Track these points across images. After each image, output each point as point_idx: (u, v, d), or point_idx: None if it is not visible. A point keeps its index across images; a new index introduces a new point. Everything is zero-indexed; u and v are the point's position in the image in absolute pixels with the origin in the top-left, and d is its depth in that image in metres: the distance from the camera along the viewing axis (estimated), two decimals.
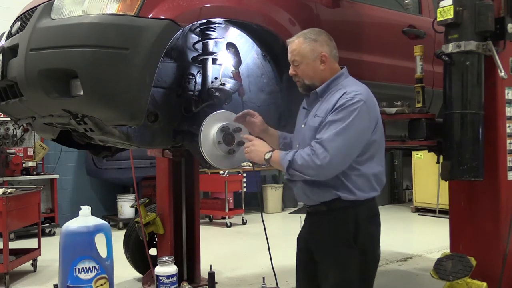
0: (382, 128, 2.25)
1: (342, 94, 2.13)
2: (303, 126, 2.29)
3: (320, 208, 2.24)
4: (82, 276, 2.42)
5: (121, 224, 7.12)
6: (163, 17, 2.30)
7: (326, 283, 2.23)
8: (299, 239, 2.43)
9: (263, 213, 3.68)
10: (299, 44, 2.24)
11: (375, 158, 2.19)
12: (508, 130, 2.75)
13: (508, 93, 2.75)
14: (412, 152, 8.31)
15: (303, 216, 2.45)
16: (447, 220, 3.04)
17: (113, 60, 2.20)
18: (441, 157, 2.88)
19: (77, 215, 2.55)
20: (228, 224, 7.62)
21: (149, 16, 2.28)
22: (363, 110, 2.09)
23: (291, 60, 2.27)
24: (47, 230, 6.73)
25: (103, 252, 2.52)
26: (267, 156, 2.21)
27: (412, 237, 7.07)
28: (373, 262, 2.22)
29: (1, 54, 2.53)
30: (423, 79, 2.99)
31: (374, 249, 2.22)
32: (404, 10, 3.52)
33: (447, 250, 2.80)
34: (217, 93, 2.64)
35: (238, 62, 2.77)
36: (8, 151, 6.65)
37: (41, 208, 5.66)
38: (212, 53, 2.67)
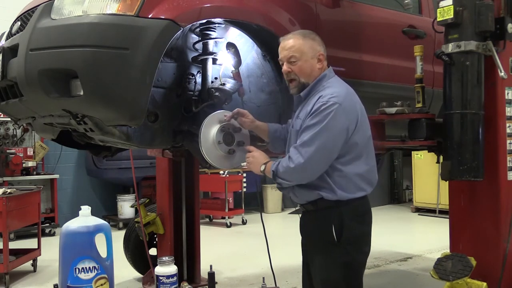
0: (366, 127, 2.26)
1: (318, 98, 2.16)
2: (291, 128, 2.35)
3: (309, 207, 2.29)
4: (82, 276, 2.42)
5: (121, 224, 7.12)
6: (163, 17, 2.30)
7: (316, 280, 2.28)
8: (301, 237, 2.47)
9: (263, 213, 3.68)
10: (297, 40, 2.25)
11: (363, 158, 2.22)
12: (508, 130, 2.75)
13: (508, 93, 2.75)
14: (412, 152, 8.29)
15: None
16: (447, 220, 3.04)
17: (113, 60, 2.20)
18: (441, 157, 2.88)
19: (77, 215, 2.55)
20: (228, 224, 7.62)
21: (149, 16, 2.28)
22: (339, 113, 2.11)
23: (287, 56, 2.26)
24: (47, 230, 6.73)
25: (103, 252, 2.52)
26: (262, 168, 2.27)
27: (412, 237, 7.06)
28: (360, 259, 2.25)
29: (1, 54, 2.53)
30: (423, 79, 2.98)
31: (361, 247, 2.24)
32: (404, 10, 3.53)
33: (447, 250, 2.80)
34: (217, 93, 2.65)
35: (238, 62, 2.77)
36: (8, 151, 6.64)
37: (41, 208, 5.66)
38: (212, 53, 2.67)
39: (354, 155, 2.19)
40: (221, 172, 7.69)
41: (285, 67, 2.29)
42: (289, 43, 2.26)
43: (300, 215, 2.42)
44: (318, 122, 2.10)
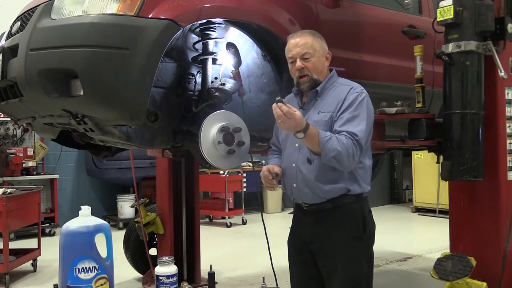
0: None
1: (350, 89, 2.23)
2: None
3: (325, 206, 2.25)
4: (82, 276, 2.42)
5: (121, 224, 7.12)
6: (163, 17, 2.30)
7: (336, 280, 2.23)
8: (294, 241, 2.40)
9: (263, 213, 3.68)
10: (309, 38, 2.28)
11: (368, 152, 2.29)
12: (508, 130, 2.75)
13: (508, 93, 2.75)
14: (412, 152, 8.29)
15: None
16: (447, 220, 3.04)
17: (113, 60, 2.20)
18: (441, 157, 2.88)
19: (77, 215, 2.55)
20: (228, 224, 7.62)
21: (149, 16, 2.28)
22: (370, 104, 2.23)
23: (301, 53, 2.25)
24: (47, 230, 6.73)
25: (103, 252, 2.51)
26: (300, 136, 2.08)
27: (412, 237, 7.07)
28: (373, 252, 2.33)
29: (1, 54, 2.53)
30: (423, 79, 2.99)
31: (374, 241, 2.33)
32: (404, 10, 3.53)
33: (447, 250, 2.80)
34: (217, 93, 2.64)
35: (238, 62, 2.77)
36: (8, 151, 6.64)
37: (41, 208, 5.66)
38: (212, 53, 2.67)
39: (366, 146, 2.25)
40: (221, 172, 7.69)
41: (298, 63, 2.26)
42: (302, 40, 2.27)
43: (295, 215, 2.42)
44: (361, 113, 2.17)
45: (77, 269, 2.41)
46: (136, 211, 5.23)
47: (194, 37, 2.75)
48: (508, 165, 2.74)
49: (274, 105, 2.06)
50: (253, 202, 8.78)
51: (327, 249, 2.25)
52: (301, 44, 2.26)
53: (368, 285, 2.28)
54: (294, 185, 2.30)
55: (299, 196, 2.31)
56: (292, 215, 2.48)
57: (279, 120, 2.06)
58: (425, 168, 8.50)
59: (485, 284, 2.56)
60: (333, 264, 2.24)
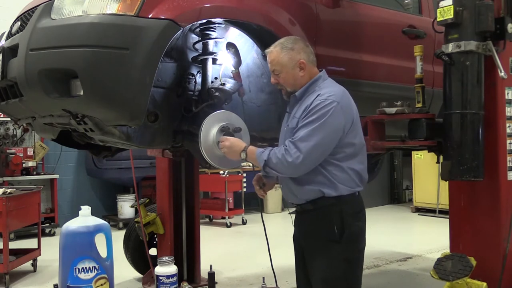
0: (361, 131, 2.32)
1: (316, 96, 2.21)
2: (285, 128, 2.37)
3: (307, 206, 2.30)
4: (82, 276, 2.42)
5: (121, 224, 7.12)
6: (163, 17, 2.30)
7: (315, 279, 2.30)
8: (293, 238, 2.48)
9: (263, 213, 3.68)
10: (277, 54, 2.30)
11: (357, 158, 2.28)
12: (508, 130, 2.74)
13: (508, 93, 2.75)
14: (412, 152, 8.29)
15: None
16: (447, 220, 3.04)
17: (113, 60, 2.20)
18: (441, 157, 2.88)
19: (77, 215, 2.55)
20: (228, 224, 7.62)
21: (149, 16, 2.28)
22: (337, 111, 2.17)
23: (271, 70, 2.34)
24: (47, 230, 6.73)
25: (103, 252, 2.52)
26: (243, 156, 2.30)
27: (412, 237, 7.07)
28: (358, 256, 2.31)
29: (1, 54, 2.54)
30: (423, 79, 2.98)
31: (359, 243, 2.30)
32: (404, 10, 3.53)
33: (447, 250, 2.80)
34: (217, 93, 2.65)
35: (238, 62, 2.77)
36: (8, 151, 6.64)
37: (41, 208, 5.66)
38: (212, 53, 2.68)
39: (350, 153, 2.24)
40: (221, 172, 7.69)
41: (272, 79, 2.37)
42: (270, 57, 2.33)
43: (291, 215, 2.45)
44: (317, 119, 2.15)
45: (77, 269, 2.42)
46: (136, 211, 5.23)
47: (194, 37, 2.75)
48: (508, 165, 2.73)
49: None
50: (253, 202, 8.77)
51: (307, 248, 2.34)
52: (269, 61, 2.33)
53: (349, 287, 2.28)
54: (281, 185, 2.41)
55: (285, 195, 2.41)
56: (291, 215, 2.53)
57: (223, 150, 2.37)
58: (425, 168, 8.49)
59: (485, 284, 2.56)
60: (311, 263, 2.32)
